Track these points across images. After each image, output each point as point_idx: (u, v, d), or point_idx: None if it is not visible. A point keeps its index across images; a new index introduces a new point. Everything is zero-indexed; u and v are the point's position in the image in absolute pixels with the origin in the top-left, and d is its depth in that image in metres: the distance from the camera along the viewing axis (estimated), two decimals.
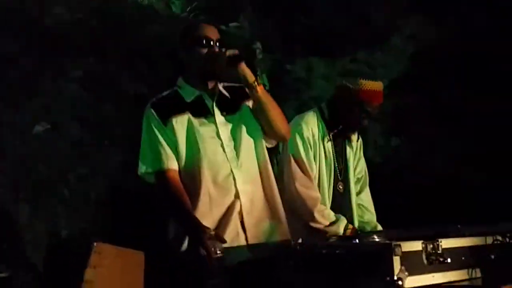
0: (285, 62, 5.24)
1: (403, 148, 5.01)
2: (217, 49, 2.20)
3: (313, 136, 2.72)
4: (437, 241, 1.77)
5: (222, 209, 2.16)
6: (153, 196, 2.36)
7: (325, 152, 2.76)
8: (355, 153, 2.90)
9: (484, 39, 4.80)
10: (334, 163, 2.78)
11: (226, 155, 2.19)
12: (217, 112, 2.24)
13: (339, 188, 2.80)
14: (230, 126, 2.25)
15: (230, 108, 2.27)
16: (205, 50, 2.20)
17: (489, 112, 4.70)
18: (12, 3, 4.11)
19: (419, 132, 5.02)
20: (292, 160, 2.69)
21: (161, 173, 2.18)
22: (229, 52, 2.17)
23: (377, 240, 1.87)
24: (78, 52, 4.06)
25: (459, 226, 2.01)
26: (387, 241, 1.74)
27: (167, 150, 2.18)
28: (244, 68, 2.19)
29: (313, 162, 2.71)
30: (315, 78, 5.28)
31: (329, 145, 2.78)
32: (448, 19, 5.04)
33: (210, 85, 2.25)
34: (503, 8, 4.78)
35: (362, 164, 2.94)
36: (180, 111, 2.21)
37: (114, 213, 3.61)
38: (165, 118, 2.20)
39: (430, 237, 1.78)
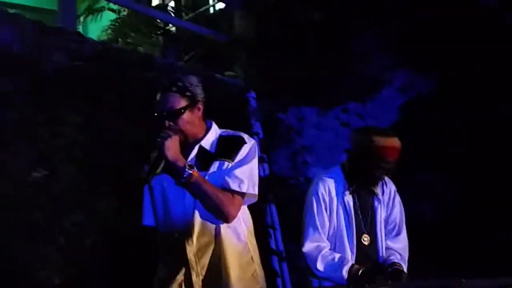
0: (277, 111, 5.34)
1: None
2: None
3: (330, 193, 2.83)
4: None
5: (171, 275, 2.30)
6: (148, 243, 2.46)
7: (345, 206, 2.83)
8: (386, 204, 2.93)
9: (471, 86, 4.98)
10: (358, 216, 2.84)
11: (189, 210, 2.27)
12: (188, 167, 2.22)
13: (364, 240, 2.84)
14: None
15: (204, 164, 2.30)
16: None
17: (480, 159, 4.81)
18: (12, 48, 4.16)
19: (410, 180, 5.10)
20: (306, 221, 2.84)
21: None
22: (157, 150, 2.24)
23: None
24: (76, 98, 4.09)
25: (463, 280, 2.03)
26: None
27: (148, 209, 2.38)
28: (169, 161, 2.24)
29: (326, 219, 2.81)
30: (306, 127, 5.38)
31: (349, 199, 2.84)
32: (433, 71, 5.22)
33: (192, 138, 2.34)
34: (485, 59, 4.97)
35: (396, 213, 2.95)
36: (159, 169, 2.32)
37: (109, 260, 3.57)
38: (151, 177, 2.32)
39: None
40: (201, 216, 2.27)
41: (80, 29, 7.92)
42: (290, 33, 5.26)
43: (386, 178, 2.93)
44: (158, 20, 7.44)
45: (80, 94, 4.12)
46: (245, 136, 2.38)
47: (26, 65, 4.03)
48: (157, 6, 8.21)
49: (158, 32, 7.46)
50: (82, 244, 3.62)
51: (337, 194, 2.84)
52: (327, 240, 2.82)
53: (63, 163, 3.77)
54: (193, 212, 2.27)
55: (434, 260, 4.27)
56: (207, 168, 2.28)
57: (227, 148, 2.32)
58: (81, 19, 8.12)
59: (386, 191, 2.94)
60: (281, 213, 4.89)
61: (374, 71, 5.06)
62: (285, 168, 5.24)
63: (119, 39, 7.48)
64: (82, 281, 3.50)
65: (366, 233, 2.85)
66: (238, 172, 2.26)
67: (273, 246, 4.77)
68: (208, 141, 2.34)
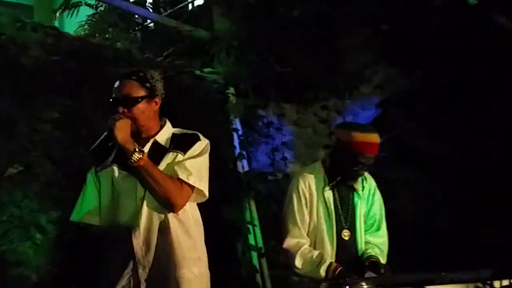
0: (257, 108, 5.35)
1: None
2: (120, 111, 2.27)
3: (310, 189, 2.84)
4: None
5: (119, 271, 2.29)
6: None
7: (325, 202, 2.84)
8: (367, 199, 2.95)
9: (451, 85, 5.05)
10: (338, 211, 2.86)
11: (138, 209, 2.25)
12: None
13: (344, 235, 2.86)
14: None
15: (156, 160, 2.29)
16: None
17: (458, 154, 4.89)
18: None
19: (387, 176, 5.16)
20: (287, 216, 2.87)
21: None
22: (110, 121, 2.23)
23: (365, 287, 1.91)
24: (53, 93, 4.04)
25: (443, 273, 2.07)
26: None
27: (90, 203, 2.37)
28: (120, 143, 2.22)
29: (306, 214, 2.83)
30: (286, 123, 5.40)
31: (329, 195, 2.86)
32: (414, 69, 5.28)
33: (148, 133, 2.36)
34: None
35: (376, 208, 2.98)
36: (110, 162, 2.32)
37: (86, 258, 3.53)
38: (97, 169, 2.37)
39: (417, 284, 1.84)
40: (147, 206, 2.26)
41: (56, 23, 7.80)
42: (271, 30, 5.26)
43: (366, 174, 2.96)
44: (136, 16, 7.38)
45: (57, 90, 4.06)
46: (200, 135, 2.39)
47: (3, 59, 3.97)
48: (135, 1, 8.12)
49: (136, 28, 7.40)
50: (59, 241, 3.58)
51: (317, 190, 2.85)
52: (307, 236, 2.83)
53: (39, 159, 3.71)
54: (142, 204, 2.25)
55: (415, 255, 4.33)
56: (160, 162, 2.29)
57: (181, 142, 2.34)
58: (58, 14, 8.01)
59: (366, 186, 2.96)
60: (260, 209, 4.90)
61: (354, 67, 5.10)
62: (265, 165, 5.25)
63: (97, 35, 7.39)
64: (59, 278, 3.46)
65: (346, 228, 2.86)
66: (188, 164, 2.27)
67: (252, 242, 4.79)
68: (162, 137, 2.36)
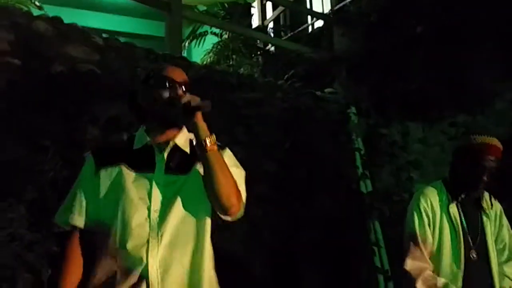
0: (380, 126, 5.24)
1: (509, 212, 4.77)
2: (180, 92, 1.90)
3: (432, 207, 2.68)
4: None
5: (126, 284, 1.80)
6: None
7: (451, 220, 2.67)
8: (494, 221, 2.75)
9: None
10: (464, 230, 2.66)
11: (149, 222, 1.83)
12: (159, 168, 1.90)
13: (473, 256, 2.64)
14: (170, 188, 1.88)
15: (180, 167, 1.91)
16: (166, 94, 1.90)
17: None
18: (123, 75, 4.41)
19: None
20: (408, 237, 2.70)
21: (67, 230, 1.96)
22: (186, 98, 1.82)
23: None
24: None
25: None
26: None
27: (81, 205, 1.92)
28: (199, 120, 1.83)
29: (429, 234, 2.66)
30: (411, 142, 5.22)
31: (454, 212, 2.68)
32: None
33: (170, 134, 1.95)
34: None
35: (504, 232, 2.76)
36: (116, 160, 1.90)
37: None
38: (99, 167, 1.92)
39: None
40: (176, 217, 1.85)
41: (184, 53, 8.33)
42: (392, 47, 5.15)
43: (492, 197, 2.76)
44: (258, 41, 7.64)
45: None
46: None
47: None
48: (257, 27, 8.42)
49: (258, 53, 7.65)
50: None
51: (441, 208, 2.69)
52: (428, 258, 2.65)
53: None
54: (169, 210, 1.84)
55: None
56: (186, 168, 1.92)
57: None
58: (186, 43, 8.55)
59: (493, 208, 2.75)
60: (386, 231, 4.76)
61: (485, 83, 4.80)
62: (389, 184, 5.10)
63: (221, 61, 7.76)
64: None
65: (474, 249, 2.65)
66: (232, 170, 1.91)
67: (378, 264, 4.66)
68: (181, 141, 1.96)
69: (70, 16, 4.10)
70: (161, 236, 1.81)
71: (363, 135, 5.16)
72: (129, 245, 1.80)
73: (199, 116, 1.82)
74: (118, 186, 1.86)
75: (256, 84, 5.01)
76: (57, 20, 3.71)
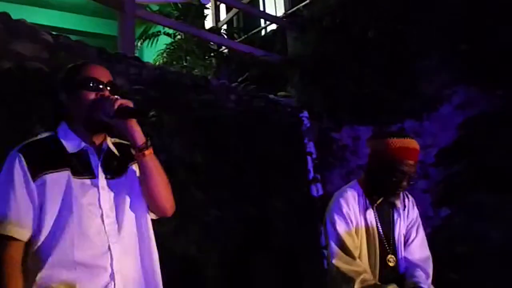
0: (332, 130, 5.32)
1: (453, 218, 4.94)
2: (107, 94, 1.83)
3: (354, 212, 2.56)
4: None
5: None
6: None
7: (367, 226, 2.57)
8: (404, 218, 2.66)
9: None
10: (380, 236, 2.57)
11: (104, 228, 1.77)
12: (101, 173, 1.82)
13: (389, 261, 2.58)
14: (113, 192, 1.83)
15: (116, 170, 1.87)
16: (92, 95, 1.82)
17: None
18: None
19: (470, 201, 4.95)
20: (335, 241, 2.54)
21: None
22: (119, 102, 1.77)
23: None
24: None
25: None
26: None
27: (20, 213, 1.70)
28: (134, 124, 1.80)
29: (355, 237, 2.53)
30: (362, 146, 5.32)
31: (371, 218, 2.58)
32: (496, 89, 5.06)
33: (97, 138, 1.88)
34: None
35: (413, 225, 2.67)
36: (59, 165, 1.76)
37: None
38: (38, 172, 1.72)
39: None
40: (128, 227, 1.84)
41: (136, 53, 8.21)
42: (345, 52, 5.24)
43: (406, 195, 2.69)
44: (212, 43, 7.62)
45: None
46: None
47: None
48: (210, 28, 8.39)
49: (212, 54, 7.62)
50: None
51: (359, 213, 2.56)
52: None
53: None
54: (121, 214, 1.82)
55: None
56: (119, 171, 1.89)
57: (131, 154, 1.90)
58: (138, 44, 8.42)
59: (408, 204, 2.68)
60: None
61: (432, 88, 4.96)
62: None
63: (174, 62, 7.69)
64: None
65: (391, 254, 2.58)
66: None
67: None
68: (110, 143, 1.92)
69: (19, 12, 3.96)
70: (121, 241, 1.79)
71: (315, 138, 5.24)
72: (89, 255, 1.72)
73: (133, 121, 1.79)
74: (68, 194, 1.74)
75: (211, 86, 4.99)
76: (4, 16, 3.58)
